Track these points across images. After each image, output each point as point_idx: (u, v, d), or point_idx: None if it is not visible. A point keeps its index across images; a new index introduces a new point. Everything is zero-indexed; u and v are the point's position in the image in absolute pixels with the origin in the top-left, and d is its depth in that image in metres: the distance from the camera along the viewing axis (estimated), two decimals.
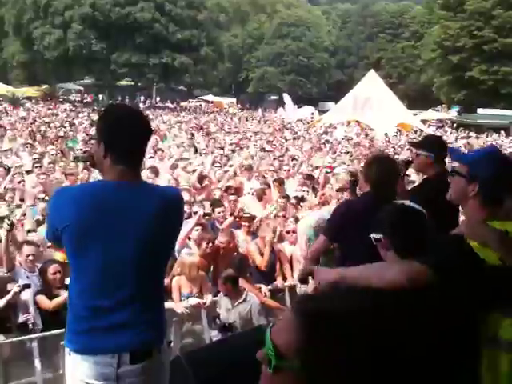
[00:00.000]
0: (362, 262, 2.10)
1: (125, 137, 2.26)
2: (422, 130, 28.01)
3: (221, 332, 4.63)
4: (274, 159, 11.86)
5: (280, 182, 8.50)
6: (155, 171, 8.35)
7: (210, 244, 5.52)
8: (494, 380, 1.87)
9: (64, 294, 4.31)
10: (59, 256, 4.68)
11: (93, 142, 13.69)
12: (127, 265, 2.24)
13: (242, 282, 5.02)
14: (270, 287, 5.49)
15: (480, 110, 39.03)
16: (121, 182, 2.26)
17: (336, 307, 1.03)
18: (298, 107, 40.13)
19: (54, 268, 4.51)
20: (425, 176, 4.14)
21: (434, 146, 3.97)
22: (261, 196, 7.88)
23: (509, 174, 2.04)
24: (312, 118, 34.53)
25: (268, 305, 5.18)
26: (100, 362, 2.22)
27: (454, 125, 36.84)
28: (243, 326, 4.66)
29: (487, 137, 30.90)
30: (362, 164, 3.56)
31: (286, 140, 18.78)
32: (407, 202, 2.34)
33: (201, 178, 8.35)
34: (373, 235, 2.19)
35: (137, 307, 2.27)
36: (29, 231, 5.58)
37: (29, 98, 35.11)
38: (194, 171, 8.84)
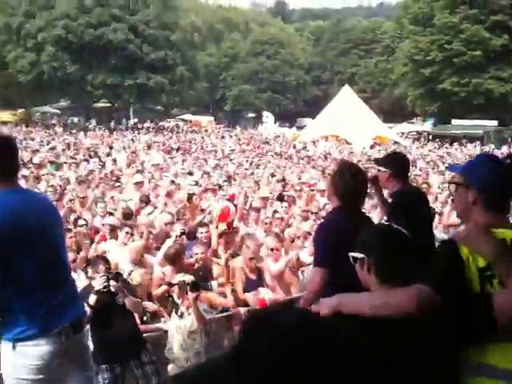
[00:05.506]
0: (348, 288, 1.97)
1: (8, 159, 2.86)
2: (399, 143, 28.33)
3: None
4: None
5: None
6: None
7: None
8: None
9: None
10: None
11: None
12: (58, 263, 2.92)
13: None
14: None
15: (454, 121, 39.74)
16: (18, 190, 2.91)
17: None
18: (279, 126, 40.70)
19: None
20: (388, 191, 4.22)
21: (392, 162, 4.04)
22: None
23: (504, 177, 2.00)
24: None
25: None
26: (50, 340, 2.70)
27: (430, 136, 37.47)
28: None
29: (463, 147, 31.44)
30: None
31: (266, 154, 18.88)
32: (393, 224, 2.16)
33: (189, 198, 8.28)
34: (353, 254, 2.02)
35: (66, 291, 2.90)
36: None
37: (4, 123, 34.57)
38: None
